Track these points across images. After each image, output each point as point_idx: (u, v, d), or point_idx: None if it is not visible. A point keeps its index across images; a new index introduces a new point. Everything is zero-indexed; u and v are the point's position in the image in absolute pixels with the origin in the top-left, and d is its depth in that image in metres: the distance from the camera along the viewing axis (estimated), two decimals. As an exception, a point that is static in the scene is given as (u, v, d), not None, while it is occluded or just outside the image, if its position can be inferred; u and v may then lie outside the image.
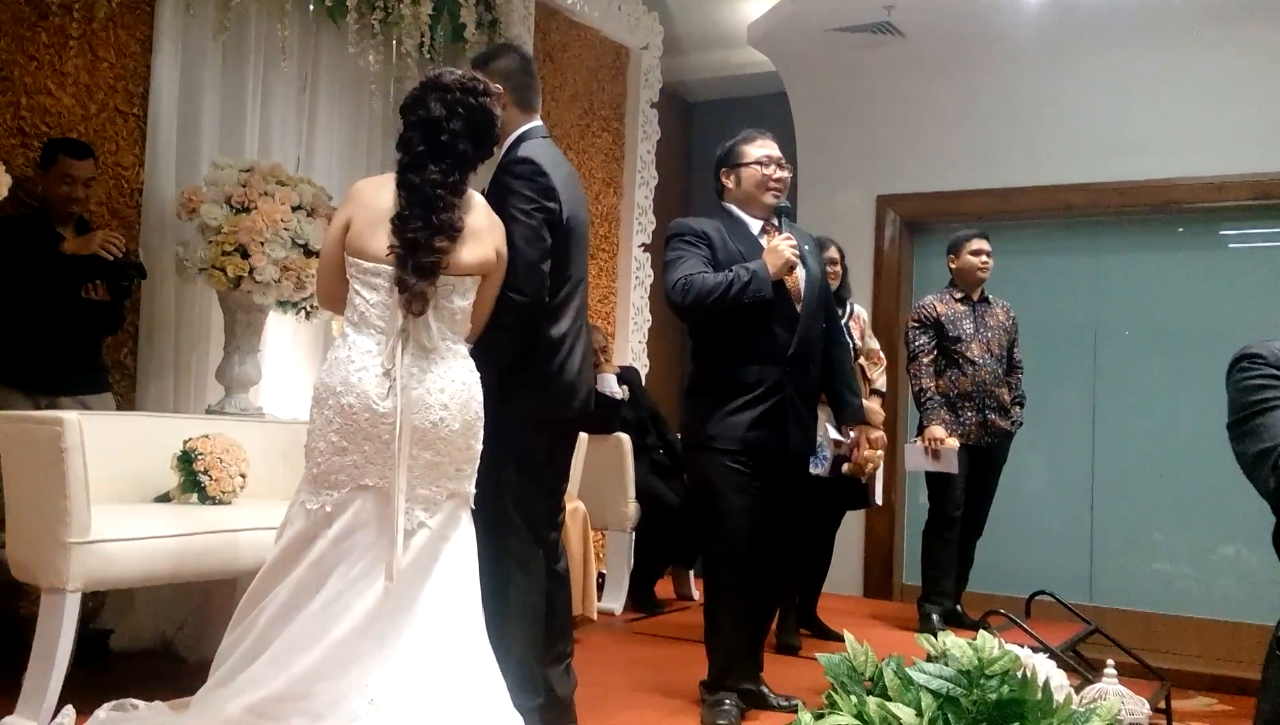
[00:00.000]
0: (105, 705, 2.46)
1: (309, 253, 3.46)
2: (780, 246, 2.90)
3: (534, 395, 2.54)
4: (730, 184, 3.08)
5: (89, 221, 3.45)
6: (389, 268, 2.26)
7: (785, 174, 3.06)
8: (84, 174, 3.32)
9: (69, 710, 2.49)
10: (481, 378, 2.38)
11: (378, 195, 2.32)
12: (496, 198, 2.50)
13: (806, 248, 3.04)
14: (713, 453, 2.92)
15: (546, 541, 2.61)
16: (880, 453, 3.73)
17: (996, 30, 5.53)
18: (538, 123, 2.70)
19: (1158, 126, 5.40)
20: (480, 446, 2.37)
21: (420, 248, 2.25)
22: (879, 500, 4.36)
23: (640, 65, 5.93)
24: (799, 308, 2.97)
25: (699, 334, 3.03)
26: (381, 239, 2.27)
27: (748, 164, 3.04)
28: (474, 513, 2.42)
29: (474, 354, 2.41)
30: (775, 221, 3.02)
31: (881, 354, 4.41)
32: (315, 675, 2.12)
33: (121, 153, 3.72)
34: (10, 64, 3.42)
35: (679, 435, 4.39)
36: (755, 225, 3.04)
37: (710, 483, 2.93)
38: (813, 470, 3.63)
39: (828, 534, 4.33)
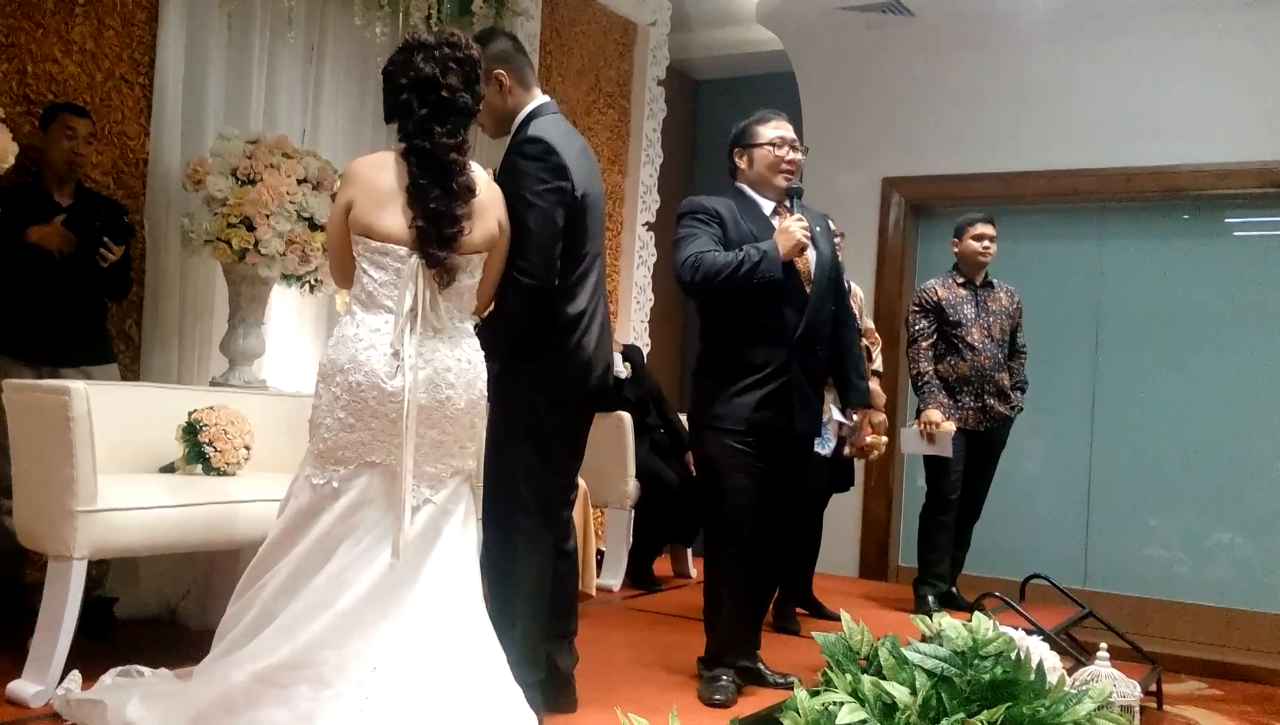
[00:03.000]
0: (111, 671, 2.49)
1: (314, 226, 3.46)
2: (792, 228, 2.90)
3: (549, 373, 2.54)
4: (743, 164, 3.08)
5: (88, 186, 3.44)
6: (396, 247, 2.24)
7: (798, 156, 3.06)
8: (84, 130, 3.31)
9: (75, 675, 2.52)
10: (492, 357, 2.38)
11: (378, 174, 2.28)
12: (507, 179, 2.47)
13: (818, 229, 3.04)
14: (718, 432, 2.93)
15: (557, 520, 2.61)
16: (885, 439, 3.76)
17: (1006, 12, 5.50)
18: (546, 99, 2.66)
19: (1164, 112, 5.38)
20: (484, 423, 2.38)
21: (444, 218, 2.23)
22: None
23: (647, 42, 5.89)
24: (808, 289, 2.98)
25: (708, 314, 3.04)
26: (389, 217, 2.25)
27: (761, 145, 3.04)
28: (485, 489, 2.43)
29: (482, 333, 2.41)
30: (787, 203, 3.03)
31: (876, 333, 4.43)
32: (320, 644, 2.14)
33: (127, 122, 3.71)
34: (16, 30, 3.40)
35: (681, 415, 4.42)
36: (767, 206, 3.04)
37: (714, 462, 2.95)
38: (819, 450, 3.65)
39: (818, 514, 4.35)
